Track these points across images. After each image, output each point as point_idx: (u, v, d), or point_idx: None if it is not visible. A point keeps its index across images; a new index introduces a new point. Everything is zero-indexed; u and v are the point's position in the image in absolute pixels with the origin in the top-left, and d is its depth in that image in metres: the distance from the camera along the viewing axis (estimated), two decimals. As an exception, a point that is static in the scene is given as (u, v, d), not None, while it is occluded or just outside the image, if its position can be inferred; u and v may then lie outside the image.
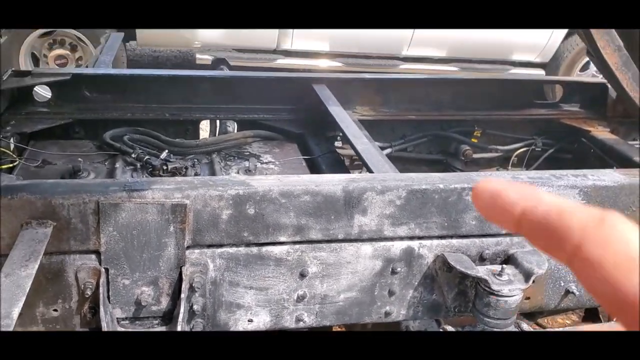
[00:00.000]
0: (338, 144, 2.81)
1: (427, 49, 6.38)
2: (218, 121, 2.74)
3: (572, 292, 1.94)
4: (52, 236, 1.47)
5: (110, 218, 1.50)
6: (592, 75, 6.02)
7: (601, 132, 2.84)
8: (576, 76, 6.24)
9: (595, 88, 3.02)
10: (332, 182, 1.65)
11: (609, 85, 2.88)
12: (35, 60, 5.76)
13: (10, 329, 1.13)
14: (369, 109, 2.83)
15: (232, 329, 1.73)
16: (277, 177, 1.67)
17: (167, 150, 2.22)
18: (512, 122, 2.98)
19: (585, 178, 1.81)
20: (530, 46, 6.42)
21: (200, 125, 2.77)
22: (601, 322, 2.43)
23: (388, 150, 2.84)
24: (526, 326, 1.80)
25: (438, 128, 2.93)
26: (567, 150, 2.99)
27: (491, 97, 2.96)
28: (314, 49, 6.20)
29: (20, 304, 1.19)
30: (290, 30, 5.96)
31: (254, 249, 1.65)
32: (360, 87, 2.80)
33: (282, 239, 1.65)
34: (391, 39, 6.20)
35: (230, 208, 1.58)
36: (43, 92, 2.54)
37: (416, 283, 1.80)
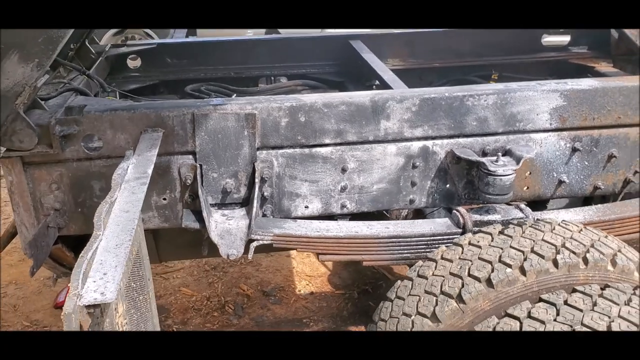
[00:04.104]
0: (374, 92, 3.33)
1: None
2: (273, 77, 3.31)
3: (564, 182, 2.39)
4: (162, 140, 2.06)
5: (202, 125, 2.08)
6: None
7: (604, 67, 3.24)
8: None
9: (600, 31, 3.41)
10: (361, 96, 2.19)
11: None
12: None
13: (147, 182, 1.71)
14: (399, 60, 3.34)
15: (292, 215, 2.29)
16: (320, 94, 2.22)
17: (235, 95, 2.80)
18: (526, 65, 3.41)
19: (565, 84, 2.27)
20: None
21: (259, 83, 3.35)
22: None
23: (417, 96, 3.33)
24: (523, 206, 2.26)
25: (460, 73, 3.40)
26: (577, 87, 3.39)
27: (505, 44, 3.40)
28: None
29: (151, 167, 1.77)
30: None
31: (306, 150, 2.20)
32: (390, 41, 3.31)
33: (327, 141, 2.19)
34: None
35: (287, 117, 2.13)
36: (133, 63, 3.19)
37: (432, 175, 2.30)
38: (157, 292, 3.53)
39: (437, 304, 1.83)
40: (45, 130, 1.96)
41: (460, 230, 2.19)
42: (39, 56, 1.75)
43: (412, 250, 2.20)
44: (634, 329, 1.50)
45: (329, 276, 3.76)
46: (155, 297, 1.90)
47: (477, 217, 2.20)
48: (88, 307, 1.17)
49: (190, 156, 2.13)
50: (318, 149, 2.21)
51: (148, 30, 6.46)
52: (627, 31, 3.10)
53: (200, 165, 2.13)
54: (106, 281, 1.22)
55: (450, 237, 2.17)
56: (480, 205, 2.29)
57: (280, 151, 2.19)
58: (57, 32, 1.72)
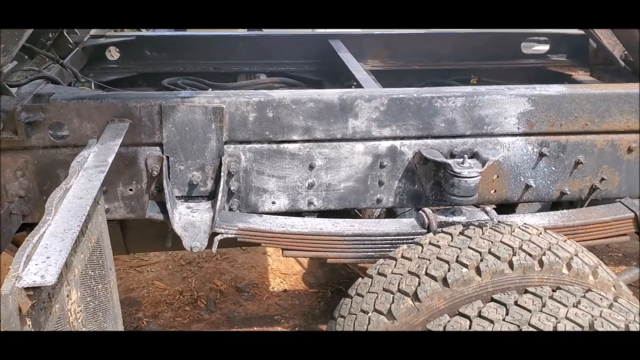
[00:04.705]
0: (353, 92, 3.35)
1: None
2: (252, 74, 3.32)
3: (531, 186, 2.40)
4: (129, 131, 2.06)
5: (169, 117, 2.09)
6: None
7: (581, 76, 3.27)
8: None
9: (579, 39, 3.44)
10: (330, 93, 2.20)
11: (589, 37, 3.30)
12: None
13: (106, 171, 1.71)
14: (379, 61, 3.36)
15: (259, 210, 2.29)
16: (289, 90, 2.23)
17: (210, 89, 2.81)
18: (505, 71, 3.43)
19: (533, 89, 2.29)
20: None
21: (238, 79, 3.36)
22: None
23: (396, 97, 3.35)
24: (489, 209, 2.28)
25: (439, 77, 3.42)
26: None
27: (485, 49, 3.43)
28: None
29: (112, 157, 1.78)
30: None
31: (274, 146, 2.21)
32: (370, 42, 3.33)
33: (295, 137, 2.20)
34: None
35: (255, 112, 2.14)
36: (113, 54, 3.19)
37: (400, 175, 2.32)
38: (130, 285, 3.53)
39: (393, 302, 1.84)
40: (10, 117, 1.96)
41: (425, 231, 2.20)
42: (4, 42, 1.75)
43: (377, 249, 2.21)
44: (579, 330, 1.51)
45: (304, 274, 3.77)
46: (118, 287, 1.90)
47: (443, 218, 2.22)
48: (27, 289, 1.17)
49: (157, 148, 2.13)
50: (286, 145, 2.21)
51: (138, 25, 6.46)
52: (605, 42, 3.13)
53: (167, 157, 2.14)
54: (48, 265, 1.22)
55: (415, 237, 2.19)
56: (448, 206, 2.31)
57: (248, 146, 2.19)
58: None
